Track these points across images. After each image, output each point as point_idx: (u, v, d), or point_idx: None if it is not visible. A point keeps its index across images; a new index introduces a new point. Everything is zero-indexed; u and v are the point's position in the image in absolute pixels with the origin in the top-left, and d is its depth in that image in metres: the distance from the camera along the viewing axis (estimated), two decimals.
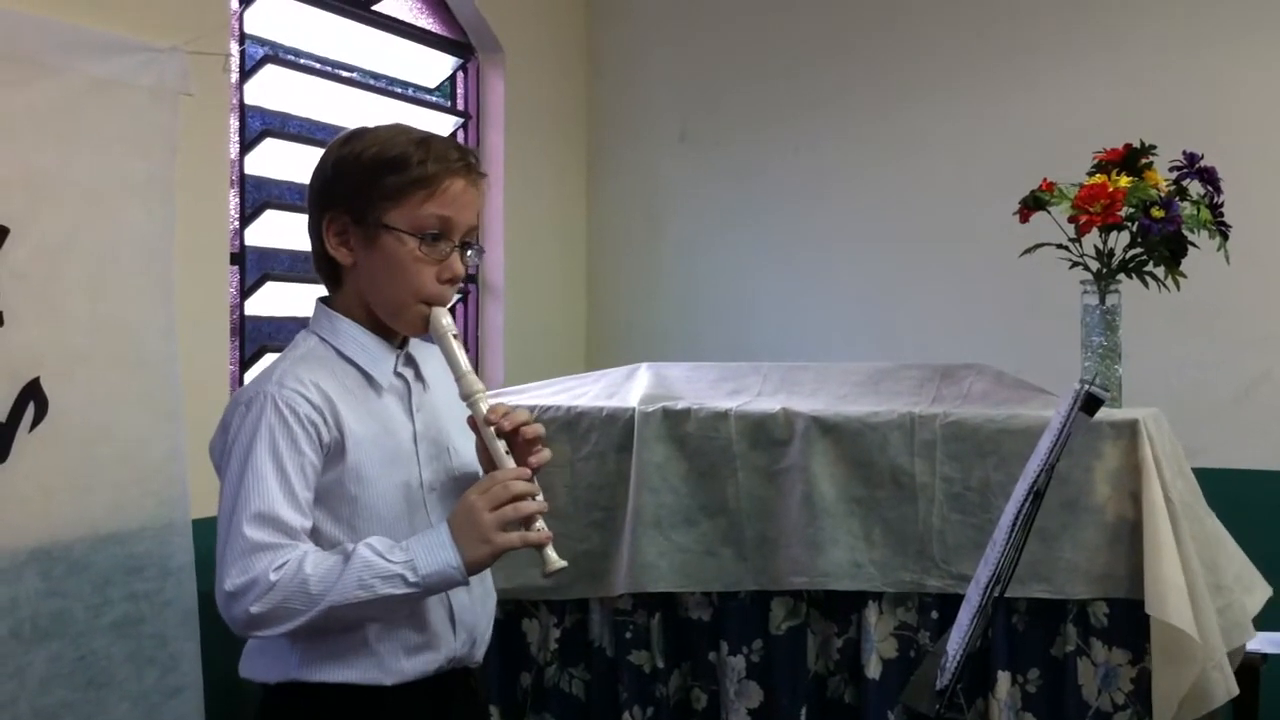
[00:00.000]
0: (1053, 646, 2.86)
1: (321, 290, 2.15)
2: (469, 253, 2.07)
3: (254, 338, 3.68)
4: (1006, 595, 1.98)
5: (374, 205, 2.01)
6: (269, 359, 3.54)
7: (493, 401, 2.05)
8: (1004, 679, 2.85)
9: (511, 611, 3.18)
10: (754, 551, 3.04)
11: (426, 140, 2.05)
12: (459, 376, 2.03)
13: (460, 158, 2.05)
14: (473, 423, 2.05)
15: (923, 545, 2.92)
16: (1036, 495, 1.74)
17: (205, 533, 3.08)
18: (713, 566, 3.06)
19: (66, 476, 2.81)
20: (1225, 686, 2.71)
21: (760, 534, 3.04)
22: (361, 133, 2.07)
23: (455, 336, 2.05)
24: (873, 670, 2.93)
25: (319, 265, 2.10)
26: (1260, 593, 3.05)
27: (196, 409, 3.09)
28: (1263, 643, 3.22)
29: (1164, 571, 2.67)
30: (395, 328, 2.08)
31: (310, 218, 2.08)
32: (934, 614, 2.93)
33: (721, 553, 3.06)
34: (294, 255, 3.84)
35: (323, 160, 2.09)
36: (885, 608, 2.96)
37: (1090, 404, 1.84)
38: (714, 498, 3.08)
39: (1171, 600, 2.65)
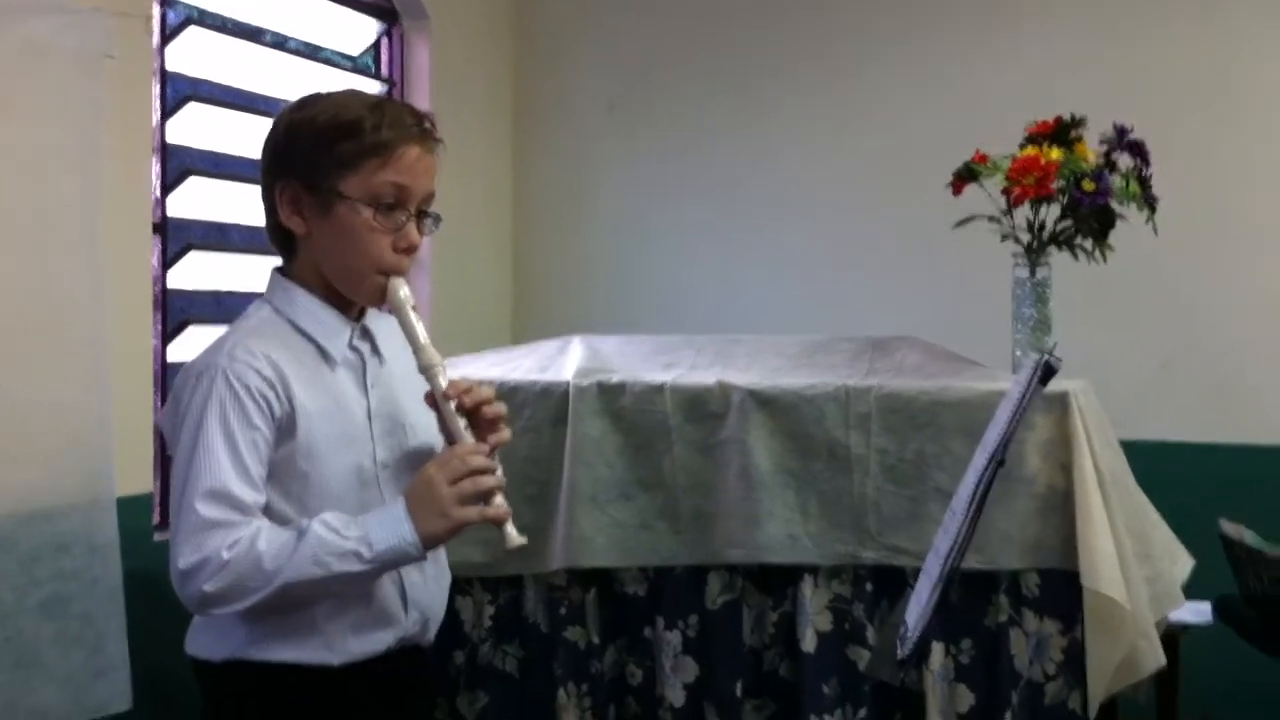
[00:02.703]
0: (985, 617, 2.87)
1: (265, 261, 2.11)
2: (426, 221, 2.03)
3: (175, 312, 3.59)
4: None
5: (327, 173, 1.96)
6: (191, 332, 3.50)
7: (453, 375, 2.01)
8: (937, 649, 2.86)
9: None
10: (690, 525, 3.03)
11: (381, 105, 2.00)
12: (417, 349, 1.99)
13: (416, 123, 2.00)
14: (430, 397, 2.01)
15: (858, 518, 2.92)
16: (999, 465, 1.76)
17: (128, 510, 3.02)
18: (648, 541, 3.05)
19: None
20: (1153, 656, 2.74)
21: (696, 508, 3.03)
22: (315, 98, 2.02)
23: (414, 308, 2.00)
24: (808, 643, 2.93)
25: (273, 235, 2.05)
26: (1184, 563, 3.10)
27: (120, 383, 3.03)
28: (1184, 613, 3.27)
29: (1096, 542, 2.69)
30: (352, 298, 2.04)
31: (263, 186, 2.03)
32: (869, 586, 2.93)
33: (657, 527, 3.05)
34: (207, 225, 3.75)
35: (275, 126, 2.03)
36: (820, 581, 2.95)
37: (1046, 374, 1.85)
38: (650, 472, 3.06)
39: (1104, 571, 2.67)
